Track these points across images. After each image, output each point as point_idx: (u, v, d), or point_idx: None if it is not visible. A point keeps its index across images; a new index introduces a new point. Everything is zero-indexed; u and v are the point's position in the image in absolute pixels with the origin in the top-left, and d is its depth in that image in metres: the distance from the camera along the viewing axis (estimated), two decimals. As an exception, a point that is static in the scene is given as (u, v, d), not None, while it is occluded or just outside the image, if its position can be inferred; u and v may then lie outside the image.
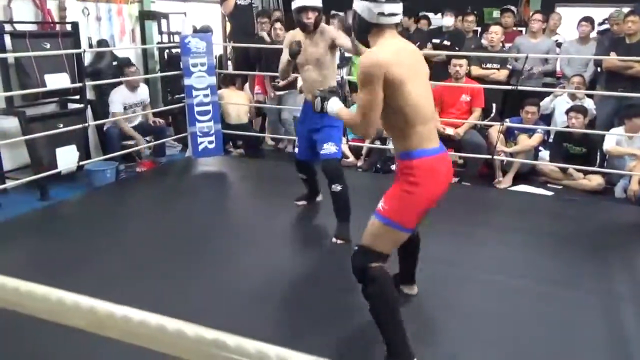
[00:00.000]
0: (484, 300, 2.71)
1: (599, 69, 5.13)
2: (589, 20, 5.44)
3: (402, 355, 2.06)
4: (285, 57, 3.40)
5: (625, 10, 5.15)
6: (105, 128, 4.94)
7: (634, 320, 2.58)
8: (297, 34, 3.42)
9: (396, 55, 1.99)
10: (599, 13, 6.03)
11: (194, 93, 4.94)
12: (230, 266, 3.04)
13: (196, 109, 4.98)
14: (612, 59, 4.69)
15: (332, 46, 3.39)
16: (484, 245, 3.41)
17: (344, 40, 3.39)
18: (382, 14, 2.03)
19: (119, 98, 4.89)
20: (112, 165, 4.63)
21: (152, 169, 5.04)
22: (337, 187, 3.26)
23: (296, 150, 3.82)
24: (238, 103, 5.54)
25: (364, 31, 2.11)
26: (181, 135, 5.35)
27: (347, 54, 5.72)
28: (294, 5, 3.32)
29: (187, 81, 4.92)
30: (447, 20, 5.79)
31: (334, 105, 2.30)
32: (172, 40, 6.13)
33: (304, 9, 3.28)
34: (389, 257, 2.10)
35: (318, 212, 3.87)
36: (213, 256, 3.15)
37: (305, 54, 3.35)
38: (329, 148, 3.33)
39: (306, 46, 3.34)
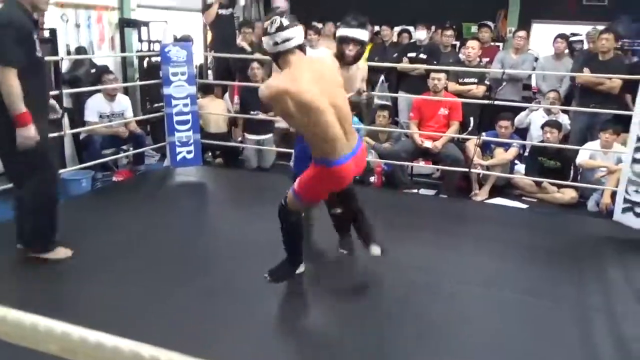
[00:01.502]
0: (458, 308, 2.74)
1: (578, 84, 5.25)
2: (563, 37, 5.59)
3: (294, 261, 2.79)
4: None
5: (600, 28, 5.31)
6: (81, 137, 4.87)
7: (605, 329, 2.64)
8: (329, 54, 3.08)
9: (297, 81, 2.30)
10: (575, 30, 6.20)
11: (174, 102, 4.92)
12: (211, 277, 3.01)
13: (175, 118, 4.95)
14: (586, 76, 4.81)
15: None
16: (461, 255, 3.44)
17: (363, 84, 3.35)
18: (276, 43, 2.33)
19: (94, 106, 4.83)
20: (88, 174, 4.57)
21: (129, 179, 4.98)
22: (336, 211, 3.14)
23: (291, 163, 3.66)
24: (217, 113, 5.53)
25: (275, 61, 2.46)
26: (160, 144, 5.30)
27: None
28: (338, 33, 3.14)
29: (166, 90, 4.89)
30: (420, 34, 5.86)
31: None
32: (152, 49, 6.09)
33: (346, 40, 3.07)
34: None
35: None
36: (192, 267, 3.12)
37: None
38: None
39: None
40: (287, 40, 2.34)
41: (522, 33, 5.60)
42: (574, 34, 5.95)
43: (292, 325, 2.64)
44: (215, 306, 2.70)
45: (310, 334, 2.52)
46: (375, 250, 2.87)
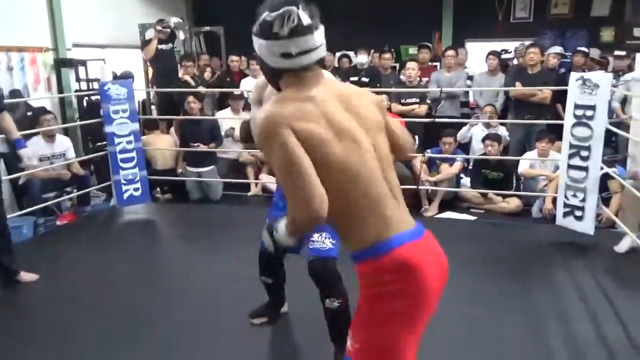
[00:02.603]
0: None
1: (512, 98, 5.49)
2: (495, 54, 5.86)
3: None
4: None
5: (527, 43, 5.61)
6: (20, 182, 4.68)
7: (556, 334, 2.71)
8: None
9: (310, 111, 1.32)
10: (505, 47, 6.52)
11: (117, 140, 4.81)
12: (162, 321, 2.90)
13: (119, 156, 4.84)
14: (518, 89, 5.05)
15: None
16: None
17: None
18: (290, 55, 1.32)
19: (32, 150, 4.65)
20: (29, 220, 4.38)
21: (74, 221, 4.80)
22: (333, 303, 2.29)
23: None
24: (164, 148, 5.44)
25: (273, 80, 1.43)
26: (105, 184, 5.15)
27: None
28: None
29: (108, 128, 4.78)
30: (361, 58, 6.02)
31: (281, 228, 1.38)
32: (91, 88, 5.97)
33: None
34: None
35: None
36: (143, 313, 3.00)
37: None
38: (321, 241, 2.30)
39: None
40: (309, 51, 1.34)
41: (451, 52, 5.83)
42: (504, 50, 6.26)
43: None
44: (170, 351, 2.61)
45: None
46: None
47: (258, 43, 1.37)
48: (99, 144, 5.50)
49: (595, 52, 6.52)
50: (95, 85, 5.86)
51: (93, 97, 5.68)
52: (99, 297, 3.19)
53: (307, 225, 1.30)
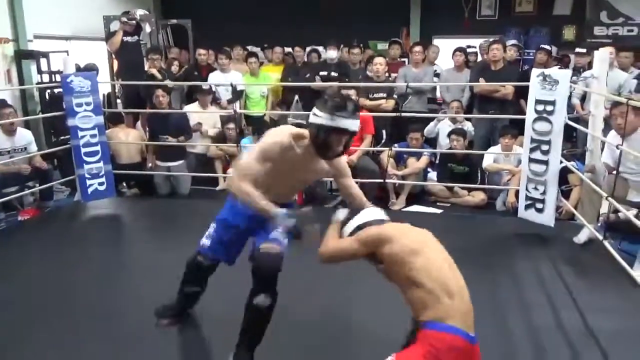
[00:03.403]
0: (373, 316, 2.79)
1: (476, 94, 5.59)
2: (462, 50, 5.95)
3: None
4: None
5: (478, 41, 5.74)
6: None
7: (517, 321, 2.80)
8: (290, 142, 2.24)
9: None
10: (470, 43, 6.63)
11: (80, 134, 4.70)
12: (124, 318, 2.86)
13: (83, 150, 4.74)
14: (482, 85, 5.15)
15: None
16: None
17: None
18: None
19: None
20: (-11, 215, 4.26)
21: (36, 217, 4.69)
22: (265, 300, 2.27)
23: (205, 242, 2.57)
24: (128, 142, 5.35)
25: None
26: (69, 178, 5.04)
27: (239, 87, 5.76)
28: (330, 123, 2.13)
29: (71, 122, 4.67)
30: (330, 53, 6.05)
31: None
32: (53, 80, 5.82)
33: (342, 132, 2.16)
34: None
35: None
36: (105, 309, 2.95)
37: (300, 171, 2.36)
38: (277, 237, 2.32)
39: (306, 163, 2.31)
40: None
41: (418, 48, 5.90)
42: (469, 47, 6.37)
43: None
44: (138, 346, 2.59)
45: None
46: None
47: None
48: (62, 137, 5.38)
49: (554, 50, 6.71)
50: (58, 77, 5.71)
51: (56, 90, 5.55)
52: (60, 293, 3.13)
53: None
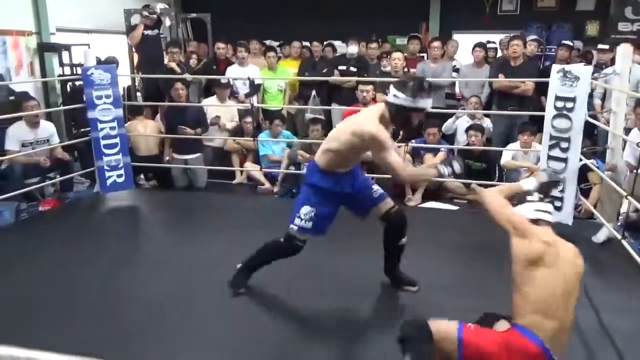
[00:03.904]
0: (391, 310, 2.80)
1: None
2: (482, 45, 5.87)
3: None
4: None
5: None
6: (2, 167, 4.64)
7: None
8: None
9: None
10: (491, 39, 6.55)
11: (100, 126, 4.78)
12: (142, 308, 2.91)
13: (103, 142, 4.81)
14: (501, 80, 5.09)
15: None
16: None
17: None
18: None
19: (15, 135, 4.62)
20: (12, 205, 4.35)
21: (56, 208, 4.78)
22: (405, 240, 3.01)
23: (298, 223, 2.82)
24: (147, 134, 5.41)
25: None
26: (88, 170, 5.12)
27: (256, 81, 5.78)
28: (415, 104, 2.58)
29: (91, 114, 4.74)
30: (351, 48, 6.02)
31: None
32: (75, 73, 5.91)
33: (421, 111, 2.67)
34: None
35: (241, 242, 3.83)
36: (122, 300, 3.01)
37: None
38: (380, 191, 2.99)
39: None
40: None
41: (437, 43, 5.85)
42: (488, 42, 6.28)
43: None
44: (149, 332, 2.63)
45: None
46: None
47: None
48: (82, 129, 5.46)
49: (578, 46, 6.59)
50: (79, 70, 5.80)
51: (77, 83, 5.63)
52: (77, 284, 3.19)
53: None
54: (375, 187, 3.00)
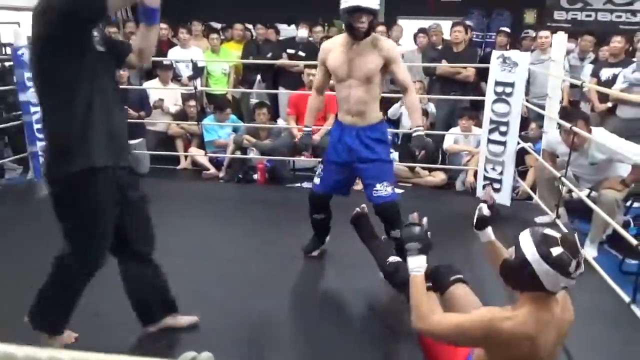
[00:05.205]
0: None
1: (432, 77, 5.59)
2: (424, 31, 5.97)
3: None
4: (314, 91, 3.25)
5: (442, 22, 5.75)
6: None
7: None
8: (336, 42, 2.92)
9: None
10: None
11: (33, 109, 4.53)
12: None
13: (36, 126, 4.57)
14: (444, 66, 5.19)
15: (385, 67, 2.86)
16: (340, 242, 3.54)
17: (404, 76, 2.93)
18: (564, 288, 1.60)
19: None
20: None
21: (-15, 196, 4.52)
22: (397, 232, 2.87)
23: (315, 181, 3.12)
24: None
25: (526, 287, 1.62)
26: (21, 155, 4.86)
27: (199, 64, 5.64)
28: (343, 5, 2.72)
29: (23, 97, 4.50)
30: (301, 32, 5.97)
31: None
32: (3, 53, 5.56)
33: (357, 11, 2.69)
34: None
35: (187, 229, 3.75)
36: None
37: (349, 67, 2.84)
38: (384, 189, 2.92)
39: (352, 57, 2.83)
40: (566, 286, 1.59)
41: (381, 28, 5.86)
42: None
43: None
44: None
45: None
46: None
47: (545, 269, 1.55)
48: (14, 113, 5.16)
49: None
50: (9, 50, 5.45)
51: (7, 64, 5.30)
52: (9, 276, 3.03)
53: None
54: (381, 185, 2.96)
